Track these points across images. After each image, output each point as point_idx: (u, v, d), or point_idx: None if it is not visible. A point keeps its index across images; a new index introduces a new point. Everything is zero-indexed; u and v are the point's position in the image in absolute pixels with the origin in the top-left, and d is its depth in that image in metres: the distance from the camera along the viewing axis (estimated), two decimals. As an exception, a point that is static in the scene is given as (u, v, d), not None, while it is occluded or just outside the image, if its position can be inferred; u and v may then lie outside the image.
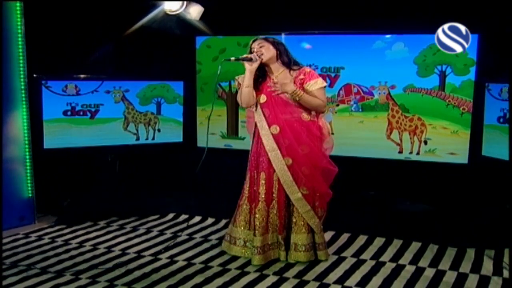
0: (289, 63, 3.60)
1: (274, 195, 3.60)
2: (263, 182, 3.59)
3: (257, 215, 3.58)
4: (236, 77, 3.71)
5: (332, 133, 4.69)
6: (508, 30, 3.93)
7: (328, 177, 3.64)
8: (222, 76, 4.46)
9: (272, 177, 3.59)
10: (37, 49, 4.48)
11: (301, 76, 3.57)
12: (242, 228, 3.71)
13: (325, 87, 3.58)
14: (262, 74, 3.60)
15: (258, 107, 3.61)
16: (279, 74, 3.60)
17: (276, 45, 3.57)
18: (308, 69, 3.61)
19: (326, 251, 3.71)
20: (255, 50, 3.55)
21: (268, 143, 3.56)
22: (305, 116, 3.57)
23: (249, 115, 3.80)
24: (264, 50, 3.53)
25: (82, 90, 4.61)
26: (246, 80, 3.53)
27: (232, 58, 3.54)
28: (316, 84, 3.54)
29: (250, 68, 3.52)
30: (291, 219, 3.64)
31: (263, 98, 3.59)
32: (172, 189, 5.16)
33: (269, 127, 3.57)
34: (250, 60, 3.51)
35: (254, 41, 3.60)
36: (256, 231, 3.58)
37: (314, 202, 3.61)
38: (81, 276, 3.38)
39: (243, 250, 3.70)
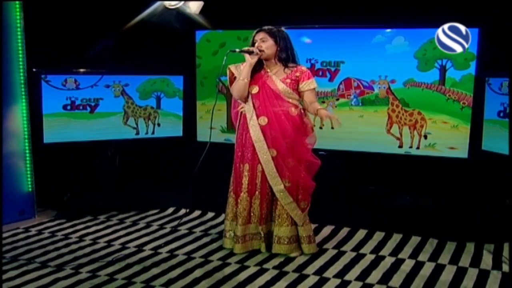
0: (286, 60, 3.58)
1: (257, 186, 3.61)
2: (246, 173, 3.61)
3: (239, 205, 3.62)
4: (229, 66, 3.65)
5: (332, 128, 4.70)
6: (508, 24, 3.92)
7: (312, 170, 3.66)
8: (223, 70, 4.46)
9: (256, 168, 3.60)
10: (36, 44, 4.47)
11: (297, 74, 3.57)
12: (230, 220, 3.72)
13: (316, 88, 3.63)
14: (257, 65, 3.57)
15: (249, 97, 3.59)
16: (274, 69, 3.60)
17: (279, 41, 3.53)
18: (304, 68, 3.62)
19: (312, 245, 3.69)
20: (257, 43, 3.52)
21: (255, 133, 3.56)
22: (293, 110, 3.58)
23: (234, 106, 3.77)
24: (265, 47, 3.50)
25: (81, 84, 4.61)
26: (244, 73, 3.51)
27: (237, 50, 3.52)
28: (312, 84, 3.58)
29: (250, 62, 3.50)
30: (274, 211, 3.65)
31: (255, 89, 3.58)
32: (172, 183, 5.16)
33: (258, 118, 3.56)
34: (252, 53, 3.49)
35: (258, 31, 3.56)
36: (238, 221, 3.62)
37: (297, 195, 3.62)
38: (81, 270, 3.39)
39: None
